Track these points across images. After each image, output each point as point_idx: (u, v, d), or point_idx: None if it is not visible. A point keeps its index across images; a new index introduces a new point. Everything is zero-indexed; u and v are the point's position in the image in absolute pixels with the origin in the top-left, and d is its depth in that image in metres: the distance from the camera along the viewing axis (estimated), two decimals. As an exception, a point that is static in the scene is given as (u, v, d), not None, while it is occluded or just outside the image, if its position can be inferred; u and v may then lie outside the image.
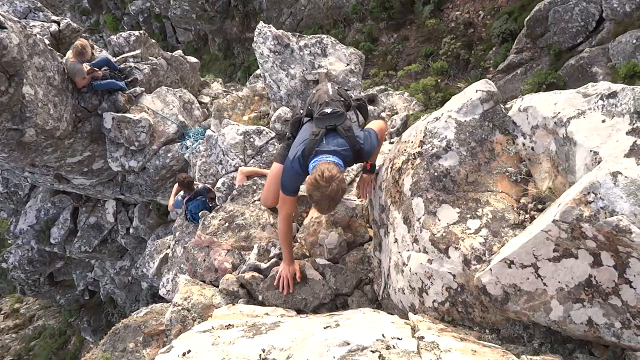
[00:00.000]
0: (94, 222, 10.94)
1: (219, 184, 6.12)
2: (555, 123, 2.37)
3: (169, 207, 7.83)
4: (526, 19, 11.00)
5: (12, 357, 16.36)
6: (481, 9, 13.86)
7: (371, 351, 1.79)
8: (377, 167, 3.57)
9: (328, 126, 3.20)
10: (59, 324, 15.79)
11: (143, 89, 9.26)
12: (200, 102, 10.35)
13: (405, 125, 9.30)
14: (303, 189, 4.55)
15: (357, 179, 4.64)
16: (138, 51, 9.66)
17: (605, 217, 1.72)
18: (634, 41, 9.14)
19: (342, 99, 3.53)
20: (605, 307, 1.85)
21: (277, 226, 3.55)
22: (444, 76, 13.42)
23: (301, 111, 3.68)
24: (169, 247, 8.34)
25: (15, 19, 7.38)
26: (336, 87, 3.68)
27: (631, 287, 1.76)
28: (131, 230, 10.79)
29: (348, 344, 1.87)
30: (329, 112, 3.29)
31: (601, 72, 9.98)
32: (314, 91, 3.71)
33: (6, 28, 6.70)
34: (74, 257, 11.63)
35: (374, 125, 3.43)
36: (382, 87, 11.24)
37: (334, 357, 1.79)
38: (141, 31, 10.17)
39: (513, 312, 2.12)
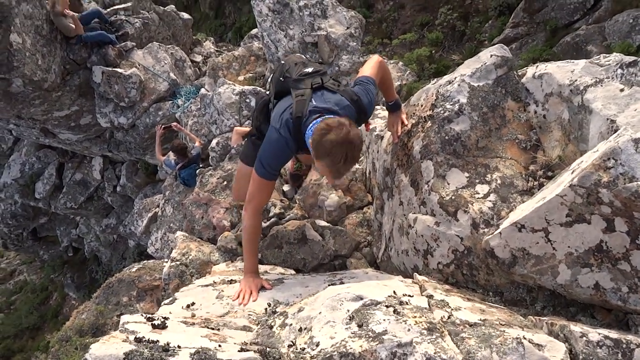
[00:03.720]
0: (80, 178, 10.78)
1: (213, 144, 6.05)
2: (571, 91, 2.37)
3: (157, 154, 7.56)
4: (525, -7, 10.91)
5: (-7, 310, 16.34)
6: (480, -20, 13.67)
7: (385, 306, 1.81)
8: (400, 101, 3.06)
9: (314, 84, 2.64)
10: (40, 280, 15.73)
11: (134, 43, 9.02)
12: (192, 61, 10.13)
13: (398, 94, 9.27)
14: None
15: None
16: (129, 4, 9.36)
17: (625, 183, 1.74)
18: (631, 21, 9.14)
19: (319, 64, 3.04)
20: (614, 272, 1.89)
21: (242, 223, 2.76)
22: (438, 47, 13.29)
23: (267, 93, 3.02)
24: (158, 206, 8.30)
25: (3, -38, 7.04)
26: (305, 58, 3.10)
27: (642, 252, 1.80)
28: (118, 189, 10.67)
29: (361, 298, 1.89)
30: (310, 71, 2.74)
31: (596, 51, 9.97)
32: (282, 62, 3.04)
33: (-7, -29, 6.42)
34: (58, 212, 11.50)
35: (365, 68, 2.83)
36: (377, 55, 11.12)
37: (349, 311, 1.81)
38: (133, -17, 9.82)
39: (519, 275, 2.15)
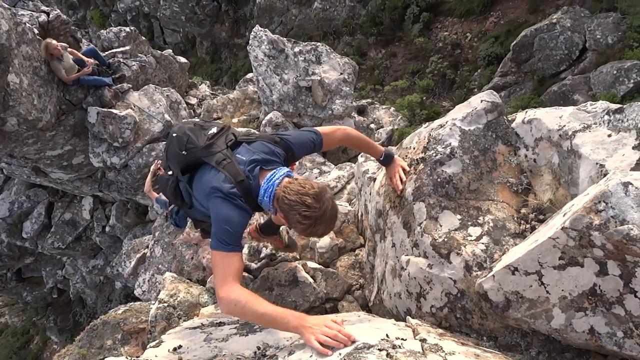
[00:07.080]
0: (69, 218, 10.66)
1: (205, 185, 6.05)
2: (560, 136, 2.41)
3: (146, 186, 7.35)
4: (512, 44, 11.30)
5: (-30, 355, 15.74)
6: (469, 31, 14.16)
7: (378, 349, 1.77)
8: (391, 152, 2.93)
9: (229, 142, 2.44)
10: (22, 323, 15.26)
11: (130, 85, 9.13)
12: (187, 103, 10.25)
13: (390, 139, 9.41)
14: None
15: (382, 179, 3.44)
16: (127, 47, 9.55)
17: (616, 226, 1.74)
18: (614, 72, 9.46)
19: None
20: (608, 317, 1.87)
21: (227, 303, 2.17)
22: (429, 94, 13.61)
23: (169, 172, 2.66)
24: (147, 247, 8.17)
25: (6, 5, 7.22)
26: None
27: (636, 296, 1.79)
28: (107, 229, 10.54)
29: (354, 342, 1.84)
30: (215, 131, 2.52)
31: (582, 100, 10.25)
32: (174, 134, 2.62)
33: (-5, 13, 6.56)
34: (45, 253, 11.29)
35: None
36: (369, 100, 11.36)
37: (340, 354, 1.77)
38: (132, 28, 10.07)
39: (513, 319, 2.12)
